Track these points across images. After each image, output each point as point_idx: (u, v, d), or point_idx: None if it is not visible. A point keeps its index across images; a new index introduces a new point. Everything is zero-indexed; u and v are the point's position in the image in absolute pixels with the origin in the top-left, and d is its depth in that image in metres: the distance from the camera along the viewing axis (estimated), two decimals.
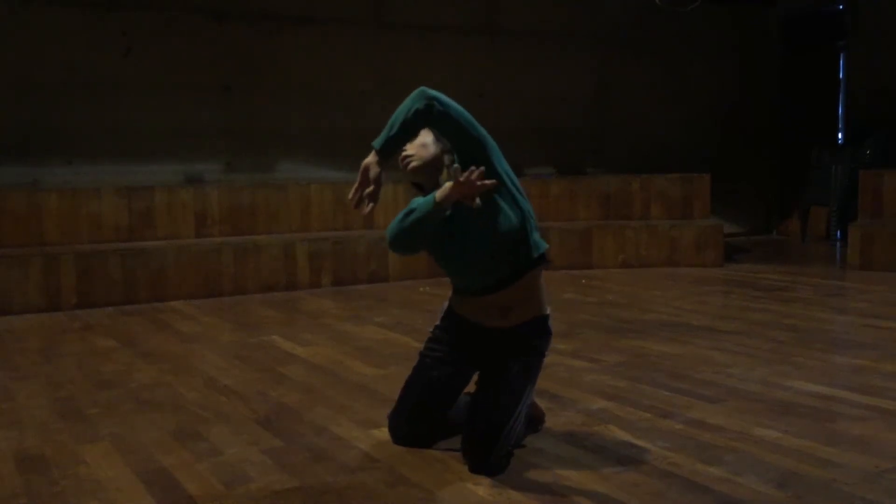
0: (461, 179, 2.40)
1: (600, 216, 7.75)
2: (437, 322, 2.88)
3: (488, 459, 2.56)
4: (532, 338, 2.73)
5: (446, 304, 2.87)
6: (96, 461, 2.76)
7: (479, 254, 2.63)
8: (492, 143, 2.62)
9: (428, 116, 2.49)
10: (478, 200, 2.44)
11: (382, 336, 4.71)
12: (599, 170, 8.68)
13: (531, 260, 2.67)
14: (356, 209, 2.49)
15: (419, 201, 2.61)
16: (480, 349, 2.74)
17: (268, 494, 2.45)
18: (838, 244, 8.48)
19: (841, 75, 9.65)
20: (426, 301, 5.83)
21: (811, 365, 3.83)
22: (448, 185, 2.48)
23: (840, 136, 9.63)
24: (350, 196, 2.50)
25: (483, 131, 2.59)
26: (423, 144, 2.66)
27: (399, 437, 2.82)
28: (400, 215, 2.65)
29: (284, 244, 6.46)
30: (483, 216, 2.57)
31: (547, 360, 3.15)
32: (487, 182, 2.40)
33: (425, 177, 2.68)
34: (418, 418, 2.78)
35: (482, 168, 2.41)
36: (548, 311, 2.77)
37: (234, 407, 3.36)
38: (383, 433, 2.93)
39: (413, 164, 2.64)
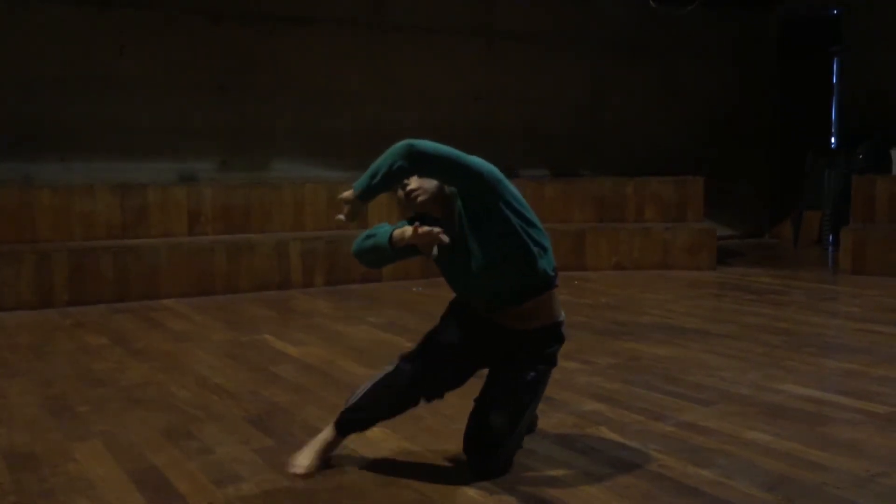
0: (420, 232, 2.46)
1: (594, 218, 7.76)
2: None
3: (495, 462, 2.56)
4: (545, 343, 2.71)
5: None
6: (86, 459, 2.75)
7: (483, 285, 2.64)
8: (490, 174, 2.51)
9: (411, 173, 2.50)
10: (435, 251, 2.49)
11: (375, 336, 4.71)
12: (594, 172, 8.69)
13: (538, 288, 2.66)
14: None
15: (384, 229, 2.63)
16: (491, 343, 2.71)
17: (258, 494, 2.45)
18: (831, 248, 8.51)
19: (835, 80, 9.70)
20: (419, 301, 5.83)
21: (803, 369, 3.84)
22: (407, 228, 2.54)
23: (834, 140, 9.67)
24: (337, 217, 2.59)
25: (479, 167, 2.50)
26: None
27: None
28: (364, 234, 2.69)
29: (278, 243, 6.45)
30: (485, 250, 2.56)
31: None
32: (443, 237, 2.46)
33: (432, 207, 2.63)
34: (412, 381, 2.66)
35: (440, 229, 2.47)
36: (562, 318, 2.76)
37: (226, 406, 3.35)
38: (375, 434, 2.93)
39: (421, 197, 2.58)
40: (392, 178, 2.48)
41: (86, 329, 4.98)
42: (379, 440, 2.88)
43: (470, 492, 2.44)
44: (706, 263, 7.30)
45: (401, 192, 2.62)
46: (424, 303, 5.73)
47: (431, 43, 7.91)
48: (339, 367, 3.99)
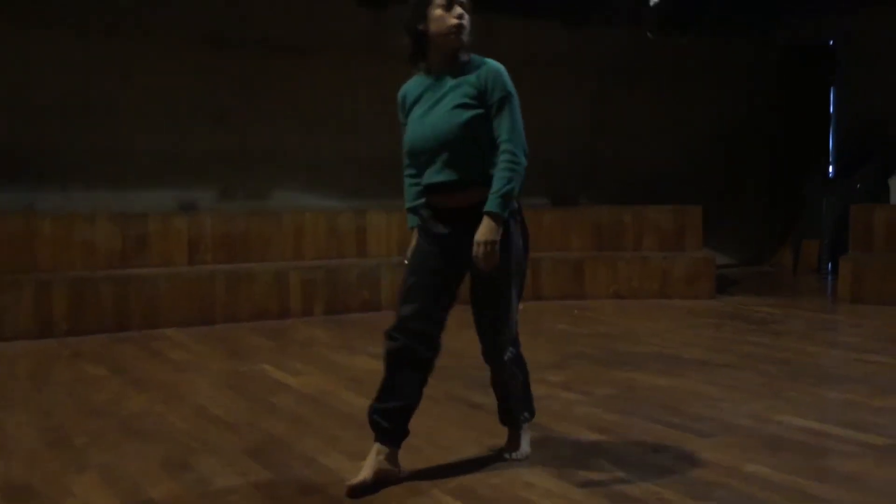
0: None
1: (593, 247, 7.77)
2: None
3: (504, 358, 2.89)
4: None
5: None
6: (84, 492, 2.74)
7: (432, 136, 2.73)
8: (524, 146, 2.75)
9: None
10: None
11: (374, 366, 4.68)
12: (592, 200, 8.72)
13: (482, 177, 2.72)
14: None
15: (411, 215, 2.96)
16: (448, 238, 2.79)
17: None
18: (829, 276, 8.52)
19: (832, 109, 9.77)
20: None
21: (802, 399, 3.84)
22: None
23: (831, 169, 9.72)
24: None
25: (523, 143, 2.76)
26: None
27: (402, 333, 2.82)
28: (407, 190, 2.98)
29: (277, 272, 6.46)
30: (450, 106, 2.71)
31: (538, 391, 3.17)
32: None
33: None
34: (420, 316, 2.80)
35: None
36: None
37: (224, 437, 3.34)
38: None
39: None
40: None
41: (85, 359, 4.97)
42: None
43: None
44: (705, 292, 7.30)
45: (453, 20, 2.72)
46: None
47: None
48: (338, 397, 3.98)
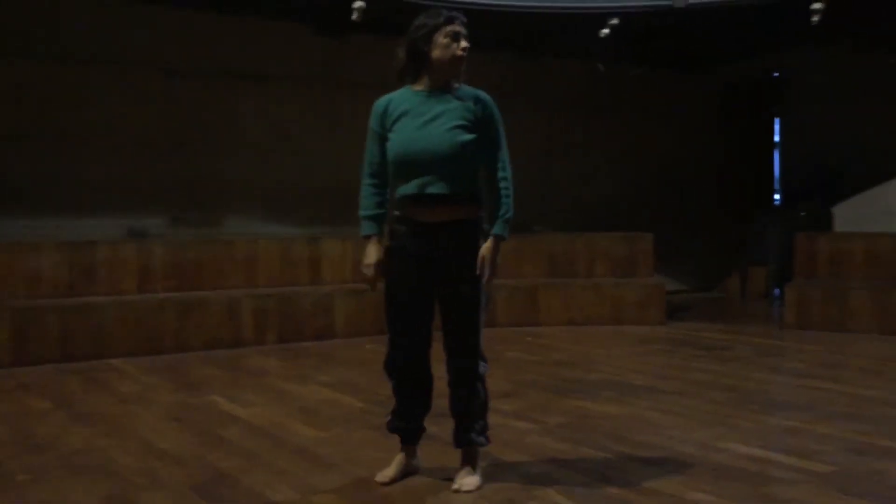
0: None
1: (546, 274, 7.84)
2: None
3: (478, 370, 3.01)
4: (469, 236, 2.97)
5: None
6: None
7: (429, 149, 2.87)
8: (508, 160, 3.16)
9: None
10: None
11: (326, 396, 4.68)
12: (545, 228, 8.81)
13: (466, 195, 2.95)
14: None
15: (367, 222, 3.03)
16: (426, 254, 2.93)
17: None
18: (776, 302, 8.71)
19: (778, 139, 10.05)
20: (372, 359, 5.80)
21: (747, 427, 3.91)
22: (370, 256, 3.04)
23: (777, 198, 9.98)
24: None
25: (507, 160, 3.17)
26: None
27: (401, 371, 3.08)
28: (366, 196, 3.06)
29: (229, 300, 6.40)
30: (450, 125, 2.93)
31: (490, 420, 3.19)
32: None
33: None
34: (411, 342, 3.03)
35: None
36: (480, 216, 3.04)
37: (170, 472, 3.28)
38: (322, 499, 2.90)
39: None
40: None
41: (29, 391, 4.86)
42: None
43: None
44: (656, 318, 7.41)
45: (459, 51, 3.03)
46: (377, 360, 5.68)
47: None
48: (289, 429, 3.94)
